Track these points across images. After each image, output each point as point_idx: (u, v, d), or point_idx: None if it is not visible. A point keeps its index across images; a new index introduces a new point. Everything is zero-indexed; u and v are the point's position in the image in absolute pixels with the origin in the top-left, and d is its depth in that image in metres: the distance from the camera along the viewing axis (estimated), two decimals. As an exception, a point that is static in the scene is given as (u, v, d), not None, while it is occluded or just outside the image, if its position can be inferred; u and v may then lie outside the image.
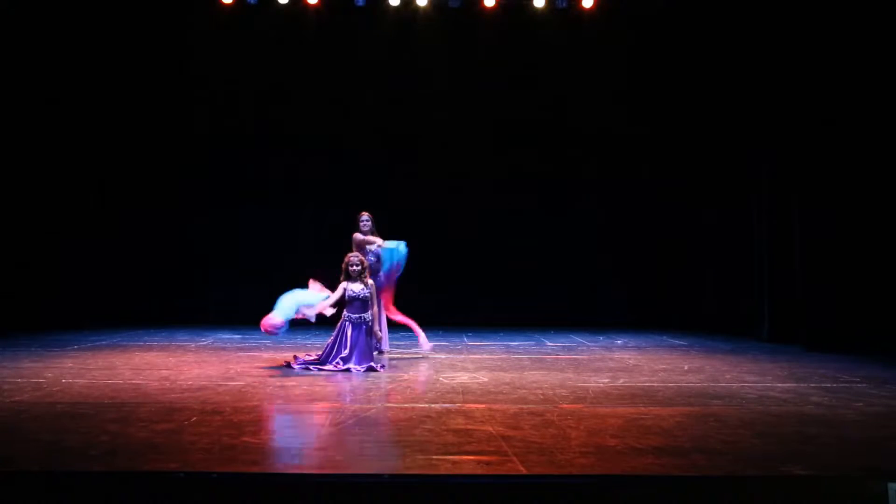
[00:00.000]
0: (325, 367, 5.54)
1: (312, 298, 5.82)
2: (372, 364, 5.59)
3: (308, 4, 9.66)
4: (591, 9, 9.74)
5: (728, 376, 5.40)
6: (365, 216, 6.67)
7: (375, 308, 5.90)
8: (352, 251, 6.15)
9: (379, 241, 6.52)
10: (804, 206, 7.57)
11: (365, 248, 6.40)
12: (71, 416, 3.72)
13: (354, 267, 5.71)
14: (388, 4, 9.67)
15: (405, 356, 6.58)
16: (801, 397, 4.50)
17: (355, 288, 5.69)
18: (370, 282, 5.84)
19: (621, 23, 9.90)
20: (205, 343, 7.44)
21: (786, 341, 7.60)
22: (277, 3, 9.60)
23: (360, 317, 5.67)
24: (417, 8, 9.80)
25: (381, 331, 6.53)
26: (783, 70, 7.89)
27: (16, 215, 8.13)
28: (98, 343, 7.23)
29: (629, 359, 6.45)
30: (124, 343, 7.29)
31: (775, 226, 8.04)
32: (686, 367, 5.89)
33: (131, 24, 9.51)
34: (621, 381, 5.13)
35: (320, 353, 5.76)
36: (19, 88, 8.10)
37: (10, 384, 4.68)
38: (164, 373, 5.31)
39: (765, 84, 8.20)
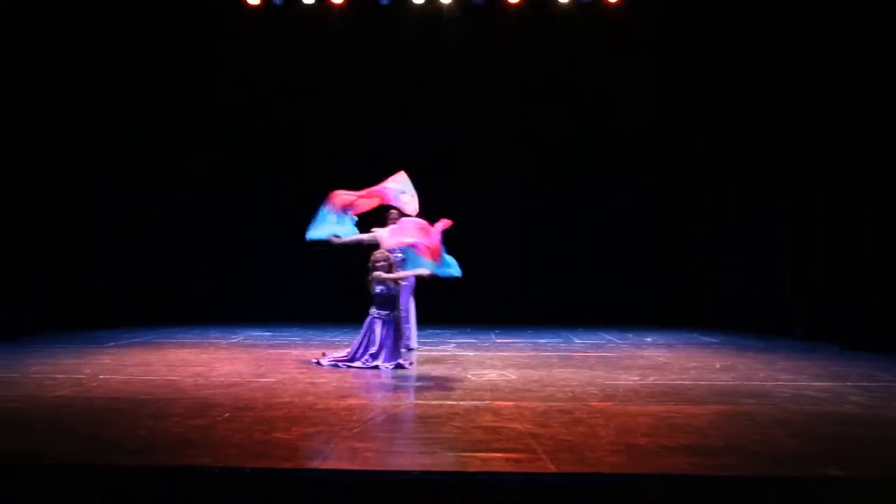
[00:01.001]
0: (354, 364, 5.59)
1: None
2: (400, 361, 5.62)
3: (332, 4, 9.74)
4: (616, 3, 9.64)
5: (761, 375, 5.30)
6: (394, 213, 6.71)
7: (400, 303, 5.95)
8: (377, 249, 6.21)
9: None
10: (839, 201, 7.38)
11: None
12: (109, 411, 3.83)
13: (380, 263, 5.75)
14: (413, 3, 9.70)
15: (433, 353, 6.60)
16: (837, 396, 4.40)
17: (386, 284, 5.71)
18: (401, 283, 5.87)
19: (646, 18, 9.76)
20: (236, 340, 7.56)
21: (821, 339, 7.43)
22: (302, 3, 9.71)
23: (389, 314, 5.71)
24: (441, 6, 9.81)
25: (409, 328, 6.58)
26: (812, 62, 7.71)
27: (52, 216, 8.34)
28: (133, 340, 7.40)
29: (659, 356, 6.37)
30: (158, 340, 7.45)
31: (809, 222, 7.87)
32: (717, 366, 5.80)
33: (160, 27, 9.70)
34: (651, 379, 5.08)
35: (349, 350, 5.81)
36: (49, 91, 8.29)
37: (52, 380, 4.83)
38: (198, 369, 5.41)
39: (794, 76, 8.01)
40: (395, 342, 5.71)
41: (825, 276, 7.57)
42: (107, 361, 5.79)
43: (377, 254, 5.85)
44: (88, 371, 5.24)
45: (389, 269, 5.77)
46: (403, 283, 6.13)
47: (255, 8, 9.76)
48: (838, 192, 7.40)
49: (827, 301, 7.51)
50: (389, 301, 5.74)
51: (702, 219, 9.81)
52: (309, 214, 8.76)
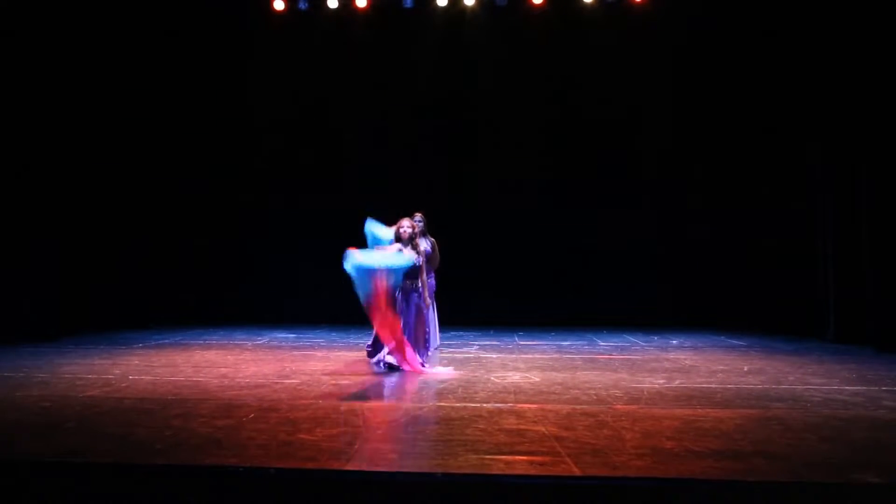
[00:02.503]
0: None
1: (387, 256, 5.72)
2: (423, 361, 5.64)
3: (357, 9, 9.82)
4: (641, 2, 9.55)
5: (791, 378, 5.19)
6: (418, 216, 6.74)
7: (424, 277, 5.86)
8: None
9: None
10: (874, 197, 7.19)
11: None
12: (138, 412, 3.89)
13: (406, 229, 5.69)
14: (436, 5, 9.73)
15: (457, 355, 6.59)
16: (872, 401, 4.28)
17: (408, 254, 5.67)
18: (421, 249, 5.79)
19: (672, 16, 9.65)
20: (261, 342, 7.64)
21: (854, 342, 7.25)
22: (327, 8, 9.81)
23: (412, 283, 5.71)
24: (465, 8, 9.82)
25: (431, 328, 6.62)
26: (848, 56, 7.52)
27: (85, 221, 8.52)
28: (161, 342, 7.53)
29: (685, 359, 6.28)
30: (185, 342, 7.56)
31: (842, 219, 7.68)
32: (746, 369, 5.69)
33: (191, 34, 9.89)
34: (677, 382, 5.00)
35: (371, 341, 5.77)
36: (89, 98, 8.50)
37: (83, 380, 4.93)
38: (223, 370, 5.48)
39: (829, 69, 7.83)
40: (419, 319, 5.67)
41: (859, 275, 7.38)
42: (135, 362, 5.90)
43: (402, 221, 5.78)
44: (118, 372, 5.34)
45: (413, 238, 5.71)
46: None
47: (280, 14, 9.90)
48: (880, 188, 7.19)
49: (860, 302, 7.33)
50: (412, 271, 5.67)
51: (729, 217, 9.64)
52: (333, 217, 8.84)
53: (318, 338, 8.09)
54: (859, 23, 7.35)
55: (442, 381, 5.01)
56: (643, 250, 9.86)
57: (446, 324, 7.25)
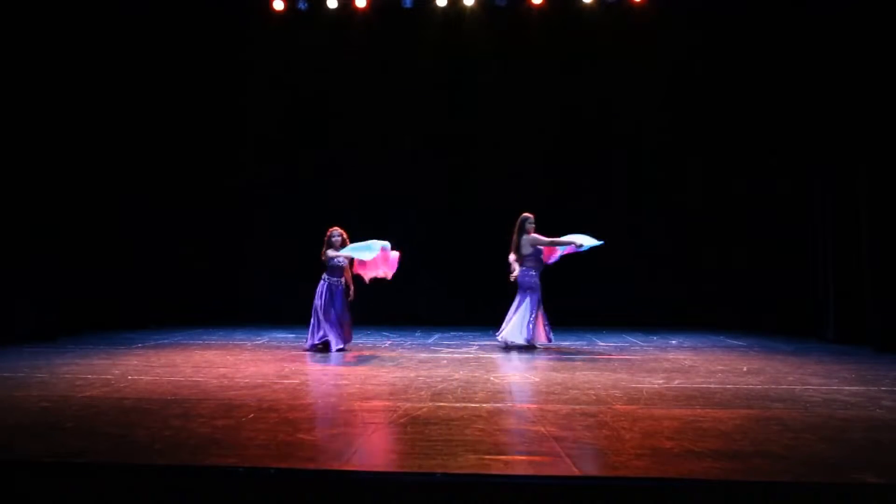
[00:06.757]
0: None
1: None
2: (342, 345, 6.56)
3: (356, 9, 9.82)
4: (641, 3, 9.55)
5: (790, 378, 5.20)
6: (528, 216, 7.24)
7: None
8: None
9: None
10: (873, 195, 7.19)
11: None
12: (137, 412, 3.89)
13: (335, 238, 6.71)
14: (436, 5, 9.74)
15: (456, 355, 6.59)
16: (871, 401, 4.29)
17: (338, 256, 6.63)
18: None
19: (673, 17, 9.66)
20: (260, 342, 7.64)
21: (853, 342, 7.26)
22: (327, 8, 9.81)
23: (339, 280, 6.73)
24: (464, 8, 9.82)
25: (535, 324, 7.02)
26: (849, 57, 7.53)
27: (85, 221, 8.52)
28: (161, 342, 7.53)
29: (684, 359, 6.28)
30: (185, 342, 7.56)
31: (841, 218, 7.69)
32: (745, 369, 5.70)
33: (187, 32, 9.88)
34: (676, 382, 5.01)
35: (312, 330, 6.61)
36: (88, 98, 8.50)
37: (82, 380, 4.93)
38: (223, 370, 5.48)
39: (829, 71, 7.84)
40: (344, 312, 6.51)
41: (859, 275, 7.38)
42: (135, 362, 5.90)
43: (333, 229, 6.76)
44: (117, 372, 5.34)
45: (344, 244, 6.66)
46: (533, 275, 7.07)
47: (279, 13, 9.90)
48: (880, 188, 7.20)
49: (860, 301, 7.33)
50: (340, 270, 6.73)
51: (727, 215, 9.64)
52: (332, 217, 8.82)
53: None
54: (859, 24, 7.37)
55: (437, 380, 5.02)
56: (643, 250, 9.86)
57: (447, 323, 7.25)
